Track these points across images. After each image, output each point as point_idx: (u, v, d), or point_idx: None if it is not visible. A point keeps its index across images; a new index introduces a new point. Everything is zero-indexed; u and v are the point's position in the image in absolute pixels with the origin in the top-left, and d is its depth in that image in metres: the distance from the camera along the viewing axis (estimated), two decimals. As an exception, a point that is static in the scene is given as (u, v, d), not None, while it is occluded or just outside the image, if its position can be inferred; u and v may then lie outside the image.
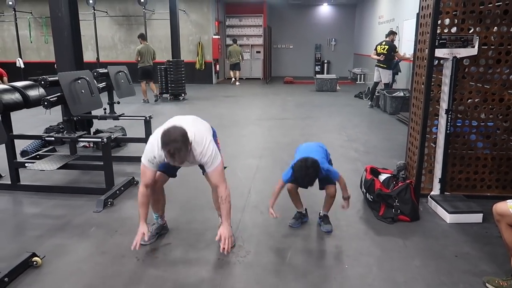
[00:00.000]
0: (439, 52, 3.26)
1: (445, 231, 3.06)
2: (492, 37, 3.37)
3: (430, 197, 3.50)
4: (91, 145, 5.31)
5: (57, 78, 3.87)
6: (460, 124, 3.53)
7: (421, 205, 3.46)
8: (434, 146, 3.58)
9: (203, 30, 14.12)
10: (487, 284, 2.34)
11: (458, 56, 3.29)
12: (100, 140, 3.79)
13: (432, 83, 3.36)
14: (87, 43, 13.00)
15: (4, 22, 14.48)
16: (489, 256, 2.69)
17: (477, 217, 3.17)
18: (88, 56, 12.52)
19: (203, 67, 14.21)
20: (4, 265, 2.44)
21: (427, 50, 3.24)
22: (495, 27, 3.38)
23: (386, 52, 8.59)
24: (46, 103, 3.65)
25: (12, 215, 3.47)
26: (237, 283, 2.43)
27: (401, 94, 7.98)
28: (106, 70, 5.03)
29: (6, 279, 2.34)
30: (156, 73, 10.45)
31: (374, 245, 2.85)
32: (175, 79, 10.30)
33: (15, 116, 3.97)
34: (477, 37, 3.29)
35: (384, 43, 8.75)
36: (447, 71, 3.35)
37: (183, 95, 10.52)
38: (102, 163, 3.82)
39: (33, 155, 4.43)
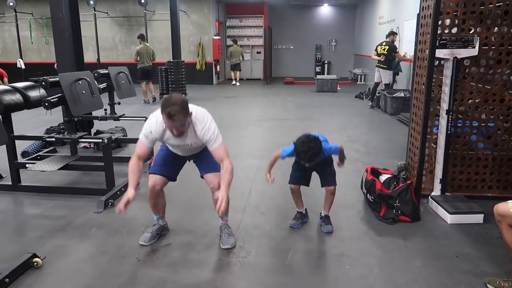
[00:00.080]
0: (440, 53, 3.26)
1: (446, 231, 3.06)
2: (492, 37, 3.36)
3: (430, 197, 3.50)
4: (92, 145, 5.31)
5: (57, 79, 3.88)
6: (460, 125, 3.53)
7: (422, 205, 3.45)
8: (434, 146, 3.58)
9: (203, 31, 14.13)
10: (488, 285, 2.33)
11: (458, 57, 3.29)
12: (100, 140, 3.80)
13: (433, 84, 3.36)
14: (87, 44, 13.02)
15: (5, 23, 14.50)
16: (490, 256, 2.68)
17: (478, 218, 3.17)
18: (89, 57, 12.55)
19: (204, 68, 14.22)
20: (5, 266, 2.44)
21: (427, 50, 3.24)
22: (496, 28, 3.38)
23: (386, 53, 8.58)
24: (46, 104, 3.65)
25: (13, 216, 3.48)
26: (237, 284, 2.43)
27: (402, 94, 7.98)
28: (106, 71, 5.04)
29: (7, 280, 2.34)
30: (157, 73, 10.47)
31: (375, 245, 2.85)
32: (175, 80, 10.31)
33: (16, 116, 3.98)
34: (478, 38, 3.28)
35: (384, 43, 8.75)
36: (447, 72, 3.35)
37: (183, 95, 10.52)
38: (102, 163, 3.82)
39: (34, 156, 4.43)
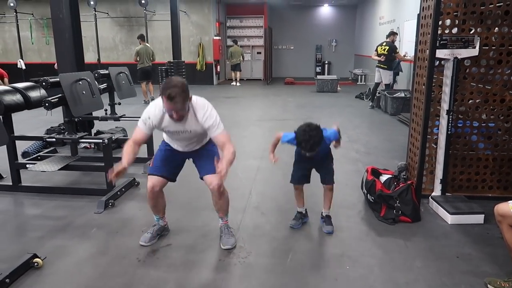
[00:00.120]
0: (440, 53, 3.26)
1: (446, 232, 3.06)
2: (493, 37, 3.36)
3: (431, 198, 3.50)
4: (92, 146, 5.31)
5: (58, 79, 3.88)
6: (461, 125, 3.52)
7: (422, 206, 3.45)
8: (435, 147, 3.57)
9: (204, 31, 14.14)
10: (488, 285, 2.33)
11: (459, 57, 3.29)
12: (101, 141, 3.80)
13: (433, 84, 3.36)
14: (88, 44, 13.04)
15: (5, 24, 14.52)
16: (491, 257, 2.68)
17: (479, 218, 3.16)
18: (89, 57, 12.56)
19: (204, 68, 14.23)
20: (5, 266, 2.44)
21: (428, 50, 3.24)
22: (496, 28, 3.37)
23: (386, 53, 8.58)
24: (47, 104, 3.66)
25: (13, 216, 3.48)
26: (237, 285, 2.42)
27: (402, 95, 7.98)
28: (107, 71, 5.04)
29: (7, 280, 2.34)
30: (157, 74, 10.46)
31: (375, 246, 2.85)
32: (176, 80, 10.30)
33: (16, 117, 3.98)
34: (478, 38, 3.28)
35: (384, 43, 8.75)
36: (448, 72, 3.35)
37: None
38: (103, 164, 3.82)
39: (34, 156, 4.44)
